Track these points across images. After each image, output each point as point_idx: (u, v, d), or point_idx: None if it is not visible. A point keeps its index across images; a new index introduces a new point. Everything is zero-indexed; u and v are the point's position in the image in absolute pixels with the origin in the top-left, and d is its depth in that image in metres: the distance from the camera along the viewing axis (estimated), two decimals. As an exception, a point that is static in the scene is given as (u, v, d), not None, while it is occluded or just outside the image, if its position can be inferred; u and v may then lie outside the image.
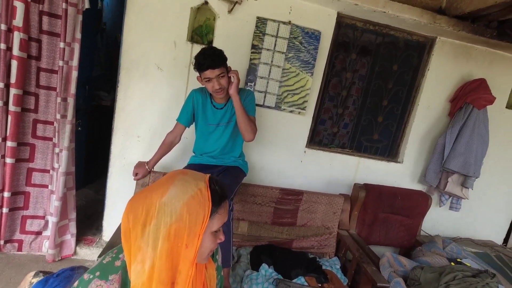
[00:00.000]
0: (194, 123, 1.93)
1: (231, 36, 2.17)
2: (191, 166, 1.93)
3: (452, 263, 2.12)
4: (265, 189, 2.18)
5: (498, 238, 3.03)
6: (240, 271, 1.92)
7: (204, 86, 1.76)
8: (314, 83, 2.35)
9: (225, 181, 1.82)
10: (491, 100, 2.42)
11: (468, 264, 2.15)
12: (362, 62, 2.52)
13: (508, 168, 2.85)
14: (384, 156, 2.74)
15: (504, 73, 2.61)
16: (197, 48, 2.14)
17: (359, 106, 2.60)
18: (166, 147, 1.94)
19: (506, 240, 3.11)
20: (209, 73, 1.63)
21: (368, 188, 2.38)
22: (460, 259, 2.22)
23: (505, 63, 2.60)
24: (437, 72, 2.52)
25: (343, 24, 2.39)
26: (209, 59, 1.61)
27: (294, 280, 1.88)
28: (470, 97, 2.43)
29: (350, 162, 2.60)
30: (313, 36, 2.25)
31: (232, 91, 1.69)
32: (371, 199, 2.37)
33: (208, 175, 0.83)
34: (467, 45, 2.51)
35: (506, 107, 2.70)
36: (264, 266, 1.92)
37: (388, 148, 2.74)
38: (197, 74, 1.71)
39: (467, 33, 2.25)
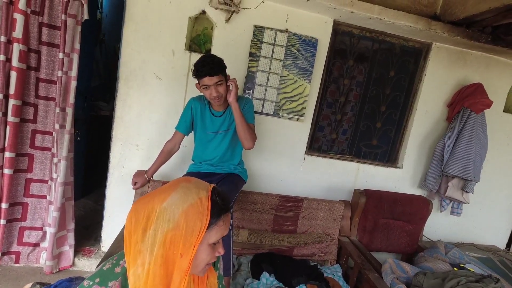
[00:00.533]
0: (193, 131, 1.93)
1: (229, 45, 2.20)
2: (190, 174, 1.93)
3: (455, 269, 2.09)
4: (264, 196, 2.17)
5: (500, 242, 3.00)
6: (241, 279, 1.89)
7: (202, 93, 1.76)
8: (312, 89, 2.37)
9: (224, 188, 1.81)
10: (488, 104, 2.43)
11: (471, 269, 2.13)
12: (359, 69, 2.54)
13: (508, 171, 2.85)
14: (383, 161, 2.74)
15: (500, 77, 2.64)
16: (195, 57, 2.16)
17: (357, 112, 2.61)
18: (165, 155, 1.93)
19: (508, 244, 3.08)
20: (207, 80, 1.64)
21: (368, 194, 2.37)
22: (463, 264, 2.19)
23: (501, 68, 2.62)
24: (434, 77, 2.55)
25: (339, 31, 2.42)
26: (208, 66, 1.61)
27: (295, 288, 1.86)
28: (468, 101, 2.45)
29: (349, 168, 2.60)
30: (310, 44, 2.27)
31: (231, 99, 1.70)
32: (371, 205, 2.36)
33: (212, 185, 0.82)
34: (462, 50, 2.53)
35: (504, 111, 2.72)
36: (265, 274, 1.90)
37: (387, 153, 2.74)
38: (196, 81, 1.72)
39: (462, 39, 2.27)
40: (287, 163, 2.48)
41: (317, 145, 2.63)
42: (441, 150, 2.53)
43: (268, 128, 2.37)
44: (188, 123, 1.87)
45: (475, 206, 2.80)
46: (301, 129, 2.43)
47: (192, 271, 0.81)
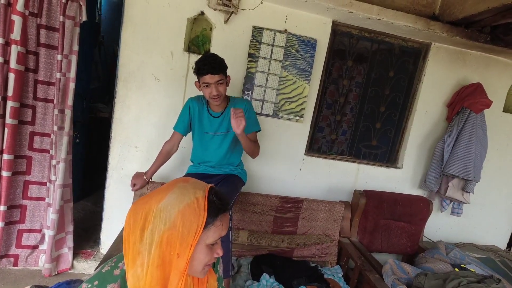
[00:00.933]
0: (191, 131, 1.92)
1: (228, 46, 2.19)
2: (189, 176, 1.92)
3: (456, 269, 2.08)
4: (264, 197, 2.17)
5: (501, 242, 2.99)
6: (241, 281, 1.88)
7: (201, 92, 1.76)
8: (311, 90, 2.36)
9: (224, 190, 1.80)
10: (487, 104, 2.43)
11: (473, 270, 2.12)
12: (359, 69, 2.54)
13: (508, 171, 2.84)
14: (383, 162, 2.73)
15: (499, 77, 2.64)
16: (194, 58, 2.15)
17: (357, 113, 2.61)
18: (163, 156, 1.92)
19: (509, 244, 3.07)
20: (208, 78, 1.64)
21: (368, 195, 2.36)
22: (464, 265, 2.18)
23: (500, 67, 2.62)
24: (433, 78, 2.54)
25: (338, 32, 2.42)
26: (210, 64, 1.63)
27: (295, 290, 1.85)
28: (467, 101, 2.44)
29: (349, 169, 2.59)
30: (309, 44, 2.27)
31: (239, 131, 1.62)
32: (371, 206, 2.35)
33: (209, 185, 0.82)
34: (462, 50, 2.53)
35: (503, 111, 2.72)
36: (265, 276, 1.89)
37: (387, 154, 2.74)
38: (196, 80, 1.72)
39: (461, 39, 2.27)
40: (287, 164, 2.47)
41: (317, 146, 2.62)
42: (441, 150, 2.52)
43: (268, 129, 2.36)
44: (186, 123, 1.87)
45: (476, 206, 2.79)
46: (301, 130, 2.42)
47: (191, 273, 0.81)
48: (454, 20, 2.23)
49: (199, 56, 2.14)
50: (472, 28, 2.27)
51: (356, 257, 2.07)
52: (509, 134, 2.77)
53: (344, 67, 2.51)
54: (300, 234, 2.23)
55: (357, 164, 2.60)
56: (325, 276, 2.06)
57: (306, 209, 2.23)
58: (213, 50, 2.19)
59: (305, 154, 2.48)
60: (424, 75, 2.54)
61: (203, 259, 0.79)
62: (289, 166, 2.48)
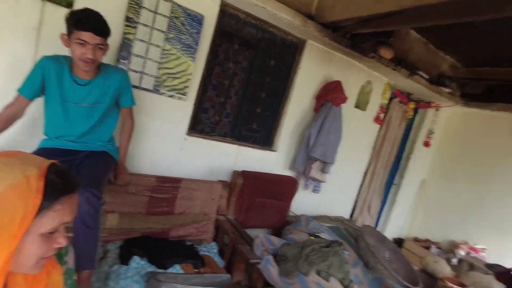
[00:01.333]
0: (43, 97, 1.58)
1: (100, 1, 1.86)
2: (42, 151, 1.59)
3: (312, 237, 2.46)
4: (139, 177, 2.01)
5: (346, 213, 3.71)
6: (106, 267, 1.70)
7: (65, 50, 1.47)
8: (196, 68, 2.29)
9: (93, 170, 1.57)
10: (344, 99, 2.90)
11: (323, 237, 2.54)
12: (244, 54, 2.61)
13: (354, 156, 3.51)
14: (261, 145, 2.93)
15: (354, 78, 3.18)
16: (52, 8, 1.75)
17: (241, 97, 2.69)
18: (3, 123, 1.49)
19: (351, 215, 3.84)
20: (88, 36, 1.39)
21: (245, 175, 2.50)
22: (318, 233, 2.60)
23: (355, 70, 3.16)
24: (307, 71, 2.86)
25: (226, 13, 2.41)
26: (96, 22, 1.41)
27: (169, 269, 1.81)
28: (330, 95, 2.86)
29: (230, 151, 2.67)
30: (196, 20, 2.18)
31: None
32: (248, 186, 2.50)
33: (50, 161, 0.67)
34: (329, 51, 2.92)
35: (355, 107, 3.31)
36: (136, 258, 1.77)
37: (265, 137, 2.95)
38: (63, 32, 1.45)
39: (329, 40, 2.61)
40: (166, 143, 2.35)
41: (200, 126, 2.59)
42: (308, 137, 2.89)
43: (147, 104, 2.18)
44: (37, 87, 1.51)
45: (330, 185, 3.32)
46: (184, 109, 2.34)
47: (19, 269, 0.66)
48: (325, 23, 2.53)
49: (58, 7, 1.76)
50: (338, 33, 2.64)
51: (231, 232, 2.18)
52: (357, 127, 3.39)
53: (231, 50, 2.54)
54: (177, 214, 2.18)
55: (238, 146, 2.71)
56: (201, 253, 2.09)
57: (185, 189, 2.19)
58: (80, 3, 1.83)
59: (187, 134, 2.42)
60: (300, 68, 2.82)
61: (35, 251, 0.65)
62: (170, 145, 2.37)
